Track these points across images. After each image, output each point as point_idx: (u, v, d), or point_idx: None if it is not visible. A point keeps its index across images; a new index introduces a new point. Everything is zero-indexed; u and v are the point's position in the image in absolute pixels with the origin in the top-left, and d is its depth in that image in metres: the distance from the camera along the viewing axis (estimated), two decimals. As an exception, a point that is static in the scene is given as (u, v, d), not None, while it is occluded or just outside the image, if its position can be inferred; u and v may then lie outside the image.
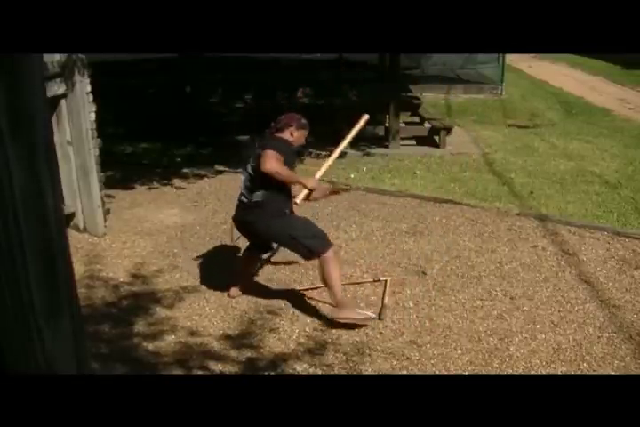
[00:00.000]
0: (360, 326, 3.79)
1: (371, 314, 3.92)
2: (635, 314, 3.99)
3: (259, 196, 3.75)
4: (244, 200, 3.85)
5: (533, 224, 5.51)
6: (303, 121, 3.93)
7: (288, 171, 3.67)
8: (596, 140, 9.40)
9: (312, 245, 3.74)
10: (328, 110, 9.07)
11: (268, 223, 3.77)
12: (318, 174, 3.94)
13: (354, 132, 4.09)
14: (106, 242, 5.06)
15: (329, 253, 3.75)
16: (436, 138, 8.76)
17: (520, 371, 3.40)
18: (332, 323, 3.82)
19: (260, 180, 3.70)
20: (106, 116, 5.66)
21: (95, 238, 5.09)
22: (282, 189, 3.77)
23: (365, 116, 4.15)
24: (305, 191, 3.82)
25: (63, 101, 4.79)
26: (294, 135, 3.87)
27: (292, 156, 3.90)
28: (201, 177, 7.03)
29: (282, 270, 4.57)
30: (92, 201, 5.06)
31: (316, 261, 3.88)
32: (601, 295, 4.23)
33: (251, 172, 3.80)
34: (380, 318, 3.88)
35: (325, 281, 3.82)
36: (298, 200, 3.82)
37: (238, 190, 3.97)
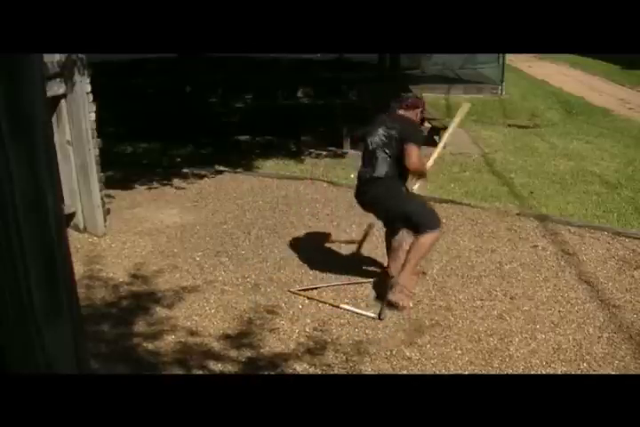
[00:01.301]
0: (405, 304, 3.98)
1: (371, 314, 3.92)
2: (635, 314, 3.99)
3: (382, 172, 4.00)
4: (368, 176, 4.06)
5: (533, 224, 5.51)
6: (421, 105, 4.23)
7: (425, 166, 4.06)
8: (596, 140, 9.40)
9: (422, 221, 3.96)
10: (328, 110, 9.07)
11: (388, 197, 4.04)
12: (429, 164, 4.17)
13: (457, 121, 4.43)
14: (106, 242, 5.06)
15: (436, 232, 3.97)
16: (436, 138, 8.75)
17: (520, 371, 3.40)
18: (331, 323, 3.83)
19: (393, 161, 3.97)
20: (106, 116, 5.66)
21: (95, 238, 5.09)
22: (403, 171, 4.02)
23: (466, 105, 4.48)
24: (420, 182, 4.16)
25: (63, 101, 4.79)
26: (418, 117, 4.18)
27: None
28: (201, 177, 7.02)
29: (282, 270, 4.57)
30: (91, 201, 5.06)
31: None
32: (601, 295, 4.23)
33: (377, 148, 4.01)
34: (380, 318, 3.88)
35: (411, 250, 3.98)
36: (415, 188, 4.14)
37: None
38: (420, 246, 3.95)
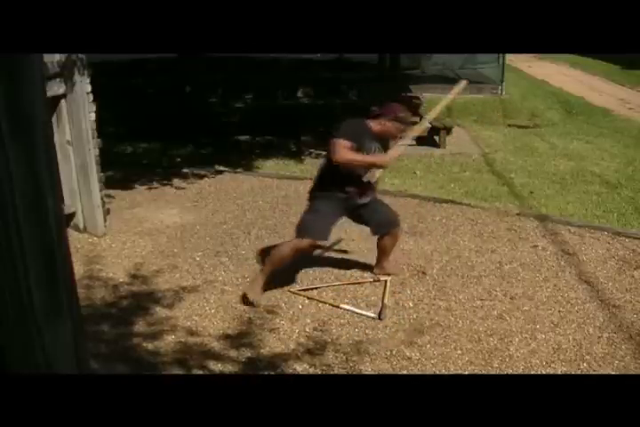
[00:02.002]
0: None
1: (371, 314, 3.92)
2: (635, 314, 3.99)
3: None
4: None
5: (533, 224, 5.50)
6: (400, 114, 4.01)
7: (356, 157, 3.86)
8: (596, 140, 9.40)
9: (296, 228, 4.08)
10: (328, 110, 9.08)
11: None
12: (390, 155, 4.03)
13: (450, 97, 4.33)
14: (106, 242, 5.06)
15: (294, 241, 4.03)
16: (436, 138, 8.76)
17: (520, 371, 3.40)
18: (331, 323, 3.83)
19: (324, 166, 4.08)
20: (106, 116, 5.66)
21: (95, 238, 5.09)
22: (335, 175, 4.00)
23: (463, 82, 4.39)
24: (378, 172, 4.05)
25: (63, 101, 4.79)
26: (383, 125, 3.98)
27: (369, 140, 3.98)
28: (201, 177, 7.03)
29: (282, 270, 4.56)
30: (91, 201, 5.06)
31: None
32: (601, 295, 4.23)
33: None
34: (380, 318, 3.88)
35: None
36: (373, 178, 4.03)
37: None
38: (275, 251, 4.08)
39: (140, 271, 4.54)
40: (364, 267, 4.64)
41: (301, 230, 4.02)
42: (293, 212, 5.81)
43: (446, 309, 4.05)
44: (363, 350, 3.56)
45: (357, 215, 4.24)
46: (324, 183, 4.06)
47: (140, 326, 3.79)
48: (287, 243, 4.09)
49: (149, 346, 3.58)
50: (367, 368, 3.40)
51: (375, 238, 4.41)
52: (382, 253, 4.44)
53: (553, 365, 3.45)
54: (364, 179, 3.99)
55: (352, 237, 5.17)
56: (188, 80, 10.42)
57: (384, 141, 4.07)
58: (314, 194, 4.13)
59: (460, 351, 3.57)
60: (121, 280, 4.40)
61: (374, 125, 3.99)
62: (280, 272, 4.54)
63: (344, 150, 3.81)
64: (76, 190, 5.05)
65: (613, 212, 5.95)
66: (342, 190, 4.01)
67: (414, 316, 3.96)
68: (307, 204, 4.17)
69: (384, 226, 4.29)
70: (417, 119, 9.45)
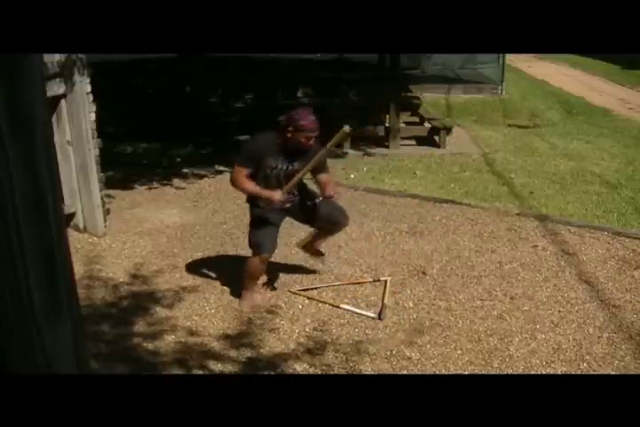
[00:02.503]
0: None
1: (371, 314, 3.92)
2: (635, 314, 3.99)
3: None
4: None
5: (533, 224, 5.50)
6: (301, 122, 3.68)
7: (238, 185, 3.87)
8: (596, 140, 9.40)
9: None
10: (328, 110, 9.07)
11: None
12: (285, 189, 3.85)
13: (328, 146, 3.83)
14: (106, 242, 5.06)
15: (255, 256, 3.99)
16: (436, 138, 8.76)
17: (520, 371, 3.40)
18: (331, 323, 3.83)
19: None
20: (106, 116, 5.66)
21: (95, 238, 5.09)
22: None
23: (345, 128, 3.79)
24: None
25: (63, 101, 4.79)
26: (285, 137, 3.74)
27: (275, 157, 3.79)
28: (201, 177, 7.03)
29: (281, 270, 4.56)
30: (92, 201, 5.06)
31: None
32: (601, 295, 4.23)
33: None
34: (380, 318, 3.88)
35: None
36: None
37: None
38: (246, 267, 4.05)
39: (140, 271, 4.54)
40: (364, 267, 4.64)
41: (254, 246, 3.98)
42: (293, 212, 5.82)
43: (446, 309, 4.05)
44: (363, 350, 3.55)
45: (297, 216, 4.16)
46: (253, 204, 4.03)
47: (139, 326, 3.79)
48: (252, 260, 4.00)
49: (149, 346, 3.58)
50: (367, 368, 3.40)
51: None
52: (318, 236, 4.31)
53: (553, 365, 3.44)
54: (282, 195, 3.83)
55: (352, 236, 5.17)
56: (187, 80, 10.42)
57: (299, 153, 3.80)
58: (250, 202, 4.07)
59: (459, 351, 3.57)
60: (121, 280, 4.40)
61: (279, 138, 3.77)
62: (280, 272, 4.55)
63: (239, 177, 3.81)
64: (75, 190, 5.05)
65: (613, 212, 5.95)
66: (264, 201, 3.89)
67: (414, 316, 3.96)
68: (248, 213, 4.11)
69: (327, 222, 4.13)
70: (416, 119, 9.52)
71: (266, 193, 3.84)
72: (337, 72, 11.05)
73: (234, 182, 3.88)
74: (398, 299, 4.17)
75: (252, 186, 3.85)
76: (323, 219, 4.09)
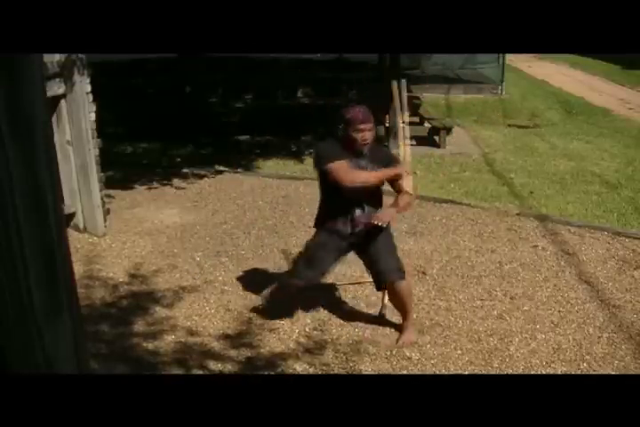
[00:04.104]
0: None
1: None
2: (635, 314, 3.99)
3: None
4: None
5: (533, 224, 5.50)
6: (347, 116, 3.39)
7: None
8: (596, 140, 9.40)
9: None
10: (328, 110, 9.08)
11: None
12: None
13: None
14: (106, 242, 5.06)
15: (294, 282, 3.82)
16: (436, 138, 8.76)
17: (520, 371, 3.40)
18: (331, 323, 3.82)
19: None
20: (106, 116, 5.66)
21: (95, 238, 5.09)
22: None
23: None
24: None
25: (63, 101, 4.79)
26: (346, 135, 3.41)
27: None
28: (201, 177, 7.03)
29: (282, 270, 4.56)
30: (92, 201, 5.06)
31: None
32: (601, 295, 4.23)
33: None
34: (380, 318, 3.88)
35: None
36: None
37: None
38: (281, 280, 4.05)
39: (140, 271, 4.54)
40: (365, 267, 4.63)
41: (295, 269, 3.90)
42: (293, 212, 5.82)
43: (446, 309, 4.05)
44: (362, 350, 3.56)
45: (360, 252, 3.72)
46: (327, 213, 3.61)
47: (139, 326, 3.79)
48: (287, 280, 3.90)
49: (149, 346, 3.58)
50: (367, 368, 3.40)
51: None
52: (398, 309, 3.75)
53: (553, 365, 3.45)
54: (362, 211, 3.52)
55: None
56: (187, 80, 10.42)
57: (362, 154, 3.47)
58: (318, 226, 3.70)
59: (460, 351, 3.57)
60: (121, 280, 4.40)
61: (339, 143, 3.46)
62: (280, 272, 4.54)
63: (346, 169, 3.36)
64: (76, 190, 5.05)
65: (613, 212, 5.95)
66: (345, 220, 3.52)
67: (414, 316, 3.95)
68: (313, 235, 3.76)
69: (383, 274, 3.62)
70: (416, 119, 9.51)
71: (392, 170, 3.45)
72: (337, 72, 11.06)
73: (349, 177, 3.33)
74: (398, 299, 4.16)
75: (373, 172, 3.43)
76: (367, 259, 3.67)
